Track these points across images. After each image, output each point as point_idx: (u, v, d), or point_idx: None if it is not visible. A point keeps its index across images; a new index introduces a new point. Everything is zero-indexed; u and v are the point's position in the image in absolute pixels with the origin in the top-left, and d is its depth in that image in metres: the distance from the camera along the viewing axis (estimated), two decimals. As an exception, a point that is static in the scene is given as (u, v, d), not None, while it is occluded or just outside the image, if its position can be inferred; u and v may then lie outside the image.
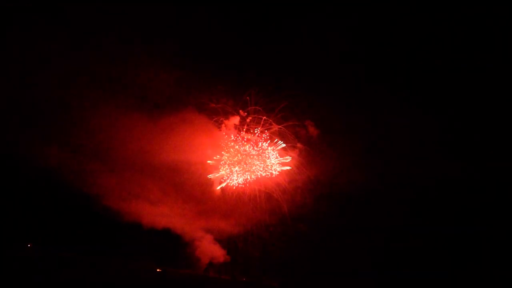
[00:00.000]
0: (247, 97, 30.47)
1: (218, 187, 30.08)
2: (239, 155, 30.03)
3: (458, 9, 27.55)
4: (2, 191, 27.41)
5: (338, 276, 28.72)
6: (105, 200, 28.14)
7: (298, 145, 30.44)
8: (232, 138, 30.19)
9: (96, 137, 28.29)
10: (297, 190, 30.26)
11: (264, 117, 30.53)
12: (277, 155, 30.25)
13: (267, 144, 30.05)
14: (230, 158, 29.98)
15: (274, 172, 30.09)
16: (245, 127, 30.49)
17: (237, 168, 30.01)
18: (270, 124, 30.60)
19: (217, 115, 30.31)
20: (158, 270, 28.65)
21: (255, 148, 30.14)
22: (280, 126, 30.59)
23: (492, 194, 28.20)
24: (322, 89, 30.56)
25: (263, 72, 30.78)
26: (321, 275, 29.07)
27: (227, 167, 29.96)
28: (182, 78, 29.12)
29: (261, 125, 30.54)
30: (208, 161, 30.16)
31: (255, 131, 30.37)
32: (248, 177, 29.97)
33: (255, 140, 30.18)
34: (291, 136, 30.61)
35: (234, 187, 30.08)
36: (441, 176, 28.97)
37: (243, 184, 30.00)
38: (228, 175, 29.99)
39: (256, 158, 30.15)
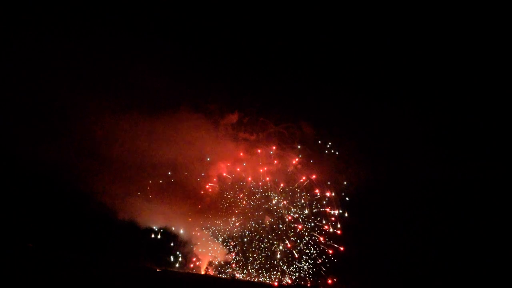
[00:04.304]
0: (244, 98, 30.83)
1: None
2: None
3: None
4: (2, 191, 27.57)
5: (339, 275, 28.81)
6: (103, 200, 28.26)
7: (296, 145, 30.83)
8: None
9: (94, 137, 28.43)
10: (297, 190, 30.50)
11: (261, 118, 30.95)
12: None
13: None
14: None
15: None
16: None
17: None
18: (267, 125, 30.93)
19: (213, 115, 30.71)
20: (158, 270, 28.68)
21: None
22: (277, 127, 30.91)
23: (490, 193, 28.26)
24: (320, 89, 30.80)
25: (261, 72, 31.10)
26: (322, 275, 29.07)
27: None
28: (179, 78, 29.41)
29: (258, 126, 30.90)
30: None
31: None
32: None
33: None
34: (290, 136, 30.91)
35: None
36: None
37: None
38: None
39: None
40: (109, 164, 28.75)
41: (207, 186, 30.42)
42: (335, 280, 28.57)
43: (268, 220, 29.76)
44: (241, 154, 30.61)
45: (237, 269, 29.29)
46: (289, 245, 29.13)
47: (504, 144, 28.43)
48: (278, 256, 29.07)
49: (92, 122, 28.52)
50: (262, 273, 28.99)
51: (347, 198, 30.07)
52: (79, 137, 28.37)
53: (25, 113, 27.60)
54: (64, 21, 28.17)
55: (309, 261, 29.02)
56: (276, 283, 28.46)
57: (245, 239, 29.84)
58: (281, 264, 28.98)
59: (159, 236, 29.88)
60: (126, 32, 28.95)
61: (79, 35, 28.43)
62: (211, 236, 30.26)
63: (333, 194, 29.88)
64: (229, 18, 30.54)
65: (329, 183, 30.11)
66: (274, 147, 30.73)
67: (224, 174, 30.60)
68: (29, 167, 27.62)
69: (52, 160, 27.25)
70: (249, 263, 29.35)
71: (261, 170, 30.45)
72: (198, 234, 30.14)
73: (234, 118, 30.78)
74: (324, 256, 28.98)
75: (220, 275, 29.52)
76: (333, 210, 29.75)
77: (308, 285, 28.61)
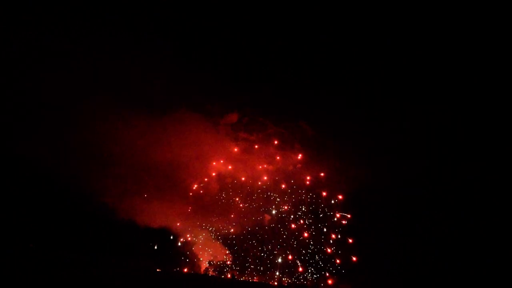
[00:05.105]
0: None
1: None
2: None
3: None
4: (3, 192, 27.67)
5: (338, 275, 28.82)
6: (104, 200, 28.33)
7: (296, 145, 30.82)
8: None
9: (94, 137, 28.41)
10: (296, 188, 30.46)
11: (261, 118, 30.97)
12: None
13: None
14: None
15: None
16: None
17: None
18: (266, 125, 30.94)
19: (213, 115, 30.75)
20: (158, 270, 28.71)
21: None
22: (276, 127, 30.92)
23: (490, 193, 28.23)
24: (319, 89, 30.80)
25: (259, 71, 31.10)
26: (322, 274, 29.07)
27: None
28: (179, 78, 29.41)
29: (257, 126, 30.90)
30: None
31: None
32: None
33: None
34: (289, 137, 30.91)
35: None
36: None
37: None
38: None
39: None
40: (110, 164, 28.84)
41: (195, 187, 30.38)
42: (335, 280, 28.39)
43: (267, 222, 29.53)
44: (240, 154, 30.60)
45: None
46: (290, 257, 28.60)
47: (504, 144, 28.37)
48: (278, 273, 28.38)
49: (92, 123, 28.52)
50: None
51: (345, 201, 29.91)
52: (80, 138, 28.37)
53: (25, 113, 27.69)
54: (64, 21, 28.21)
55: (314, 272, 28.37)
56: (275, 283, 28.41)
57: (243, 245, 29.46)
58: (282, 277, 28.44)
59: (159, 237, 29.88)
60: (126, 32, 29.06)
61: (79, 35, 28.51)
62: (212, 236, 30.23)
63: (340, 197, 29.50)
64: (229, 18, 30.54)
65: (331, 184, 30.03)
66: (276, 142, 30.64)
67: (213, 174, 30.48)
68: (29, 167, 27.76)
69: (52, 160, 27.37)
70: (246, 273, 28.85)
71: (260, 167, 30.34)
72: (198, 235, 30.17)
73: (233, 118, 30.85)
74: (330, 267, 28.32)
75: (220, 273, 29.54)
76: (342, 215, 29.28)
77: (308, 285, 28.50)
